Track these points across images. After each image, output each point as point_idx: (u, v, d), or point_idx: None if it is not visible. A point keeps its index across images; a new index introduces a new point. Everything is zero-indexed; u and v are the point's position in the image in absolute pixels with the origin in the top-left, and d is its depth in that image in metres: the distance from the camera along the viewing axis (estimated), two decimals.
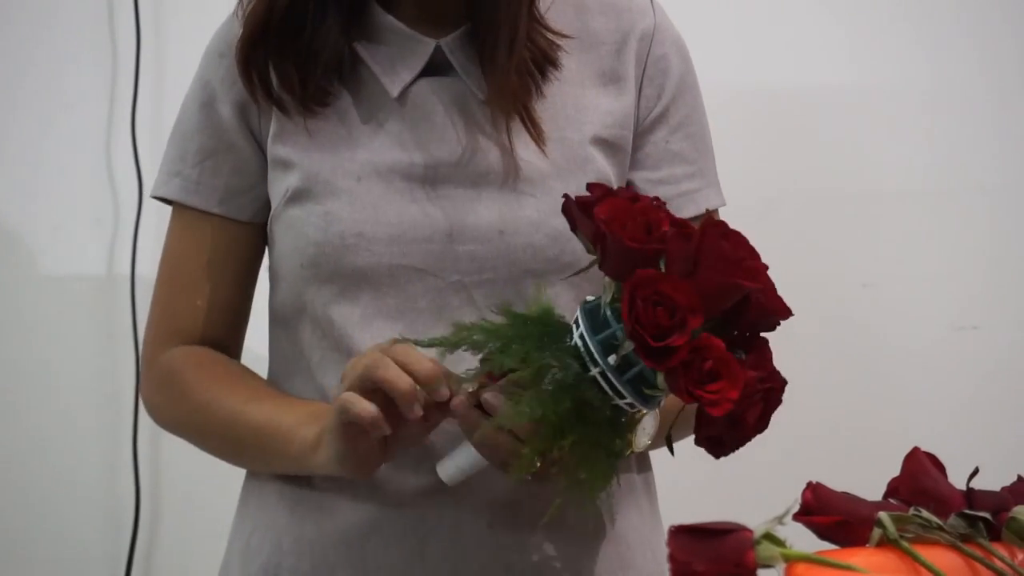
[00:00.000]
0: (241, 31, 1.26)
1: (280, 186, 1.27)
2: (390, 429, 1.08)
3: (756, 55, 2.14)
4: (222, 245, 1.31)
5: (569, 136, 1.26)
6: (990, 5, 2.15)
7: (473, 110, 1.25)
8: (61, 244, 2.13)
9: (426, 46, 1.26)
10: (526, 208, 1.23)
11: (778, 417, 2.05)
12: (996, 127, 2.14)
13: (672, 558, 0.87)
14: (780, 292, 1.10)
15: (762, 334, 1.08)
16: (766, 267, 1.04)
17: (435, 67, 1.26)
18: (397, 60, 1.26)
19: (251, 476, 1.34)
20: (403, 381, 1.06)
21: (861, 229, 2.13)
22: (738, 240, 1.03)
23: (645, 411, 1.08)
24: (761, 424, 1.08)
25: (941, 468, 1.06)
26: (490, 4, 1.23)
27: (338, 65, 1.26)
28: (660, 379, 1.02)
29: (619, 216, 1.01)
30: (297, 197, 1.25)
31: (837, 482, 1.03)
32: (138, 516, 2.10)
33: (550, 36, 1.27)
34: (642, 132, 1.30)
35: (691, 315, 0.99)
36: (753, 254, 1.04)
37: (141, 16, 2.12)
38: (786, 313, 1.08)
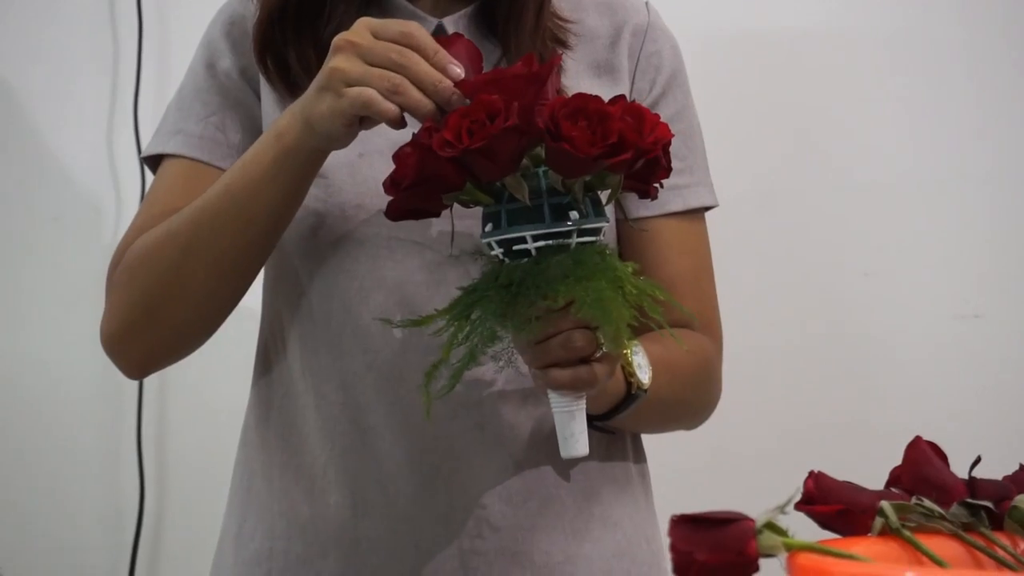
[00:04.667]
0: (258, 14, 1.27)
1: None
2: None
3: (755, 42, 2.14)
4: None
5: None
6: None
7: None
8: (62, 235, 2.13)
9: (428, 24, 1.26)
10: None
11: (780, 405, 2.07)
12: (998, 114, 2.14)
13: (673, 548, 0.87)
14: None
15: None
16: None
17: None
18: None
19: (241, 464, 1.34)
20: (439, 81, 1.05)
21: (862, 218, 2.13)
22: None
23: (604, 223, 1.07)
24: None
25: (943, 457, 1.06)
26: None
27: None
28: (577, 185, 1.02)
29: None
30: None
31: (839, 471, 1.03)
32: (142, 509, 2.10)
33: (558, 21, 1.28)
34: None
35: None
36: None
37: (143, 5, 2.12)
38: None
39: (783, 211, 2.12)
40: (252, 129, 1.30)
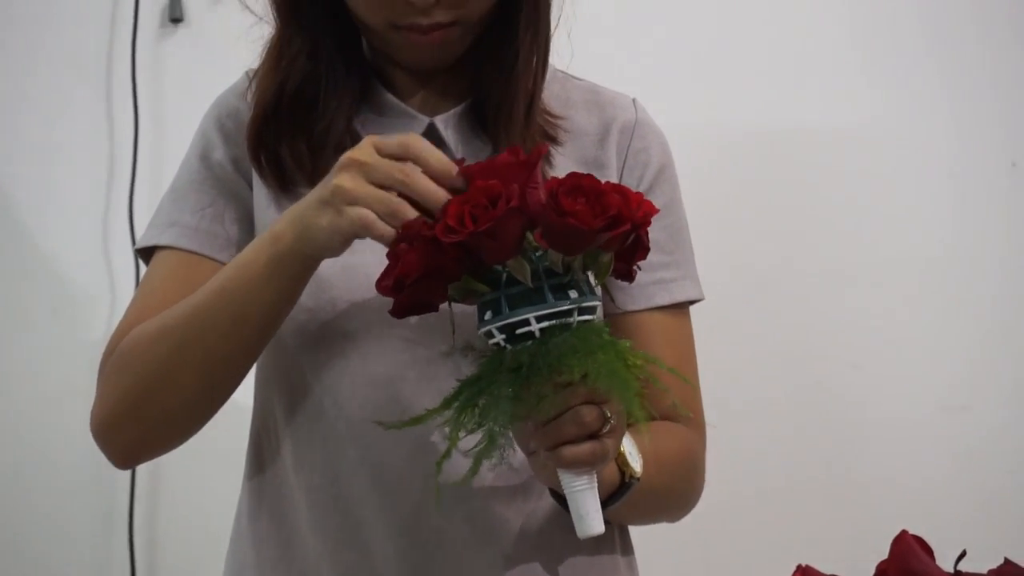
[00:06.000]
0: (252, 111, 1.28)
1: None
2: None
3: (744, 138, 2.17)
4: None
5: None
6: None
7: None
8: (58, 327, 2.14)
9: (419, 123, 1.28)
10: None
11: (768, 497, 2.07)
12: (985, 209, 2.16)
13: None
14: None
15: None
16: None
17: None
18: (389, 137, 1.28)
19: (233, 558, 1.34)
20: (440, 195, 1.07)
21: (850, 310, 2.15)
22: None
23: (596, 300, 1.09)
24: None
25: (929, 551, 1.06)
26: (506, 74, 1.26)
27: (344, 144, 1.27)
28: (577, 262, 1.05)
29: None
30: None
31: (826, 564, 1.04)
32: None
33: (547, 117, 1.30)
34: None
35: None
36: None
37: (139, 99, 2.15)
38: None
39: (772, 303, 2.14)
40: (247, 220, 1.31)
